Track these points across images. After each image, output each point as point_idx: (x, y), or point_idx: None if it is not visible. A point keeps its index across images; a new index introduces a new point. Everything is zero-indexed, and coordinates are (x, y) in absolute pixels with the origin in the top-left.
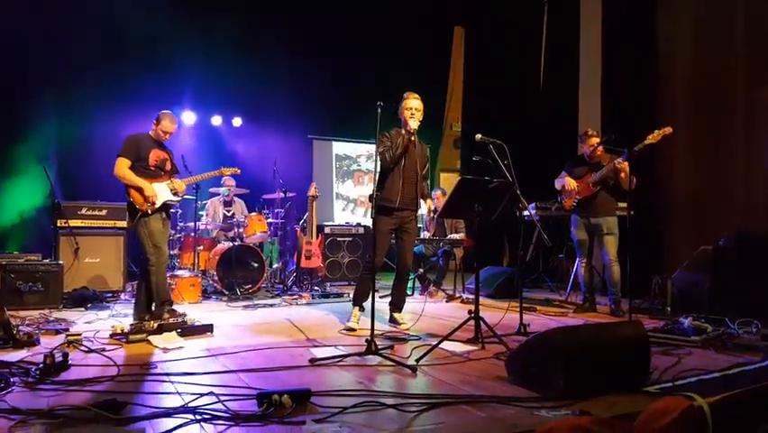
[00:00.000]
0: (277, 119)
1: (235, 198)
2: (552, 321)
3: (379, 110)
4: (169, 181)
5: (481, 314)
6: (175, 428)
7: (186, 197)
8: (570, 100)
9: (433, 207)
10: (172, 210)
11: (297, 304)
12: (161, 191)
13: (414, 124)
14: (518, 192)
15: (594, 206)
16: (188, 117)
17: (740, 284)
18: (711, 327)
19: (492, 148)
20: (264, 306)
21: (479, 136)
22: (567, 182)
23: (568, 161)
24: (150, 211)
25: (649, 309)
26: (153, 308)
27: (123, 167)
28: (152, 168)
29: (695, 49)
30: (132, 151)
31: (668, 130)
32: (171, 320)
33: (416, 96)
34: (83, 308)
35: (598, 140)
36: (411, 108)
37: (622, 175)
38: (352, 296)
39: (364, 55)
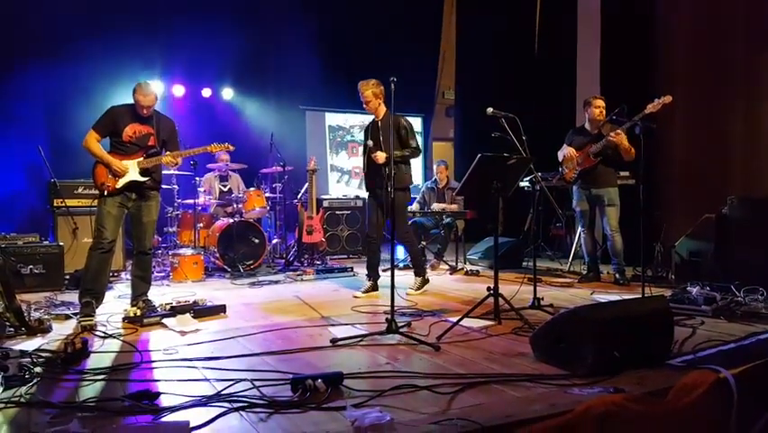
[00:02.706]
0: (267, 90)
1: (231, 173)
2: (562, 293)
3: (393, 86)
4: (140, 159)
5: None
6: (215, 418)
7: (182, 173)
8: (569, 67)
9: (433, 179)
10: (168, 187)
11: (301, 280)
12: (128, 171)
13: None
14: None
15: (595, 177)
16: (178, 90)
17: (744, 252)
18: (719, 296)
19: (504, 122)
20: (269, 283)
21: (490, 110)
22: (568, 152)
23: (571, 131)
24: (105, 192)
25: (653, 278)
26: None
27: (89, 139)
28: (127, 144)
29: (695, 13)
30: (107, 125)
31: (668, 99)
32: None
33: (360, 85)
34: None
35: (603, 103)
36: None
37: (619, 147)
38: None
39: (355, 22)
